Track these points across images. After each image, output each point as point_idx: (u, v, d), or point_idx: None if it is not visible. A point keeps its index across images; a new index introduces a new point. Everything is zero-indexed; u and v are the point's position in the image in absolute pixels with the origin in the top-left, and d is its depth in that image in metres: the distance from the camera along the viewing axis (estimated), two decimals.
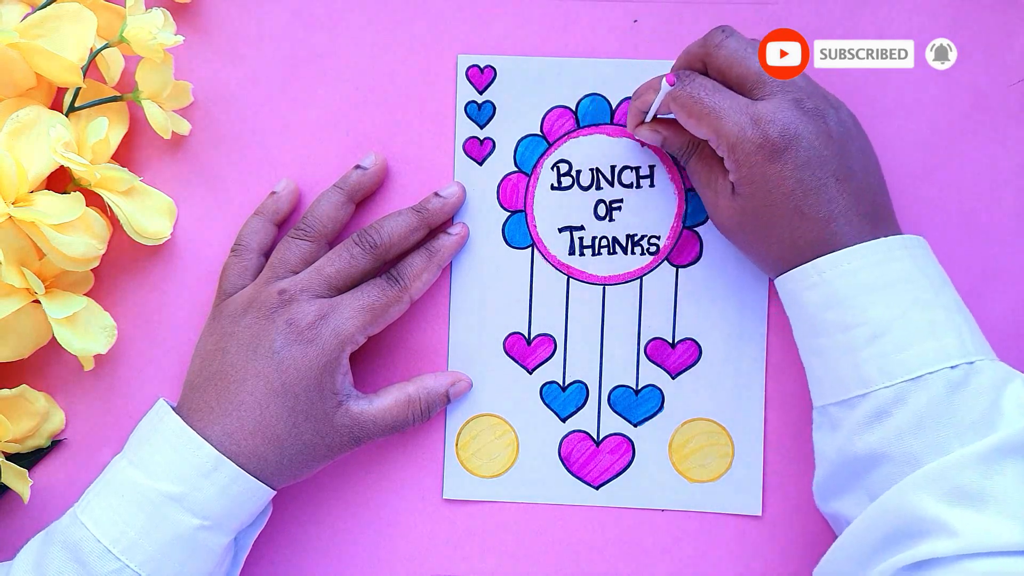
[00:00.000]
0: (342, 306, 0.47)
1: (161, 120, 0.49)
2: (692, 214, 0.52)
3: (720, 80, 0.46)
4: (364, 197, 0.52)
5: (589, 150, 0.52)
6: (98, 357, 0.51)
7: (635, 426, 0.52)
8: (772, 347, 0.51)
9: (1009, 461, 0.40)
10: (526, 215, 0.52)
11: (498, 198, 0.52)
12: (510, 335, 0.52)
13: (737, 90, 0.46)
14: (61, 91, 0.50)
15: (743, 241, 0.48)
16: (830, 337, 0.44)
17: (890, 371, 0.42)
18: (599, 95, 0.52)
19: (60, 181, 0.49)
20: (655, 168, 0.52)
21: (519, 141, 0.52)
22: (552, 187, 0.52)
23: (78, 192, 0.47)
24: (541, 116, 0.52)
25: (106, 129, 0.48)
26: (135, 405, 0.52)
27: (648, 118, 0.49)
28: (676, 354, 0.52)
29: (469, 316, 0.52)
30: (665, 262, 0.52)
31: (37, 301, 0.47)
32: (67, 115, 0.49)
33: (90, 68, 0.49)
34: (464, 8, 0.52)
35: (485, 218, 0.52)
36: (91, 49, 0.48)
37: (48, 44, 0.46)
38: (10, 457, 0.50)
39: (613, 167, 0.52)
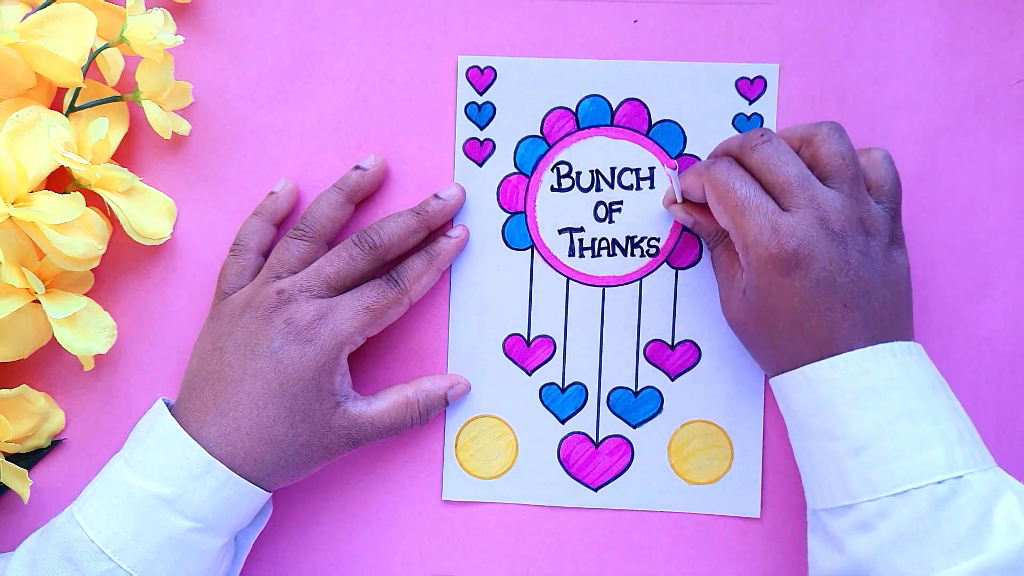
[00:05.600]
0: (341, 306, 0.47)
1: (161, 120, 0.49)
2: None
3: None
4: (363, 198, 0.52)
5: (589, 151, 0.52)
6: (98, 357, 0.51)
7: (634, 428, 0.52)
8: None
9: None
10: (526, 216, 0.52)
11: (498, 199, 0.52)
12: (509, 336, 0.52)
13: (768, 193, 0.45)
14: (61, 91, 0.50)
15: (747, 339, 0.47)
16: (817, 443, 0.43)
17: (875, 484, 0.41)
18: (599, 96, 0.51)
19: (60, 181, 0.49)
20: (655, 170, 0.51)
21: (519, 142, 0.52)
22: (552, 188, 0.52)
23: (78, 192, 0.47)
24: (541, 117, 0.52)
25: (106, 129, 0.48)
26: (135, 405, 0.52)
27: (678, 198, 0.49)
28: (675, 356, 0.51)
29: (469, 317, 0.52)
30: (665, 264, 0.52)
31: (37, 301, 0.47)
32: (67, 115, 0.49)
33: (90, 68, 0.49)
34: (464, 9, 0.52)
35: (485, 219, 0.52)
36: (91, 49, 0.48)
37: (48, 44, 0.46)
38: (10, 457, 0.51)
39: (613, 169, 0.52)
